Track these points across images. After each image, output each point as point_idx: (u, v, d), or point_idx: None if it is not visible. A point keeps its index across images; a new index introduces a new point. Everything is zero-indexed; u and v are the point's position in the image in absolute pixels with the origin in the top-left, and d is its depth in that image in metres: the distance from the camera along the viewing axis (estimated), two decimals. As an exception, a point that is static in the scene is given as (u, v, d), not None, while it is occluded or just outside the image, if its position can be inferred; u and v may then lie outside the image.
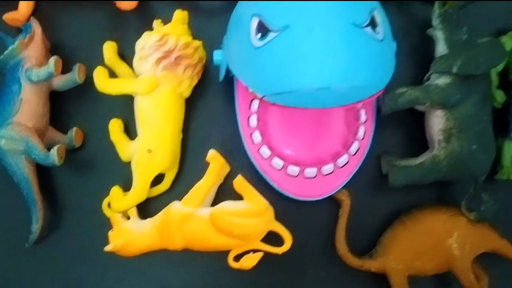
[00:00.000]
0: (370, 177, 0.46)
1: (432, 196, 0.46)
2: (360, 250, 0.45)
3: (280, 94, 0.33)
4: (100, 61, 0.46)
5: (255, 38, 0.35)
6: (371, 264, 0.43)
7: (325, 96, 0.32)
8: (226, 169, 0.46)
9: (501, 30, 0.47)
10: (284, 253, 0.44)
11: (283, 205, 0.45)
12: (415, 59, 0.48)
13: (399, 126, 0.47)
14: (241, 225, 0.41)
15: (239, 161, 0.46)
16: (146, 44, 0.43)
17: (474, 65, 0.40)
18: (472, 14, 0.45)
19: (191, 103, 0.47)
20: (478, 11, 0.47)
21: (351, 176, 0.44)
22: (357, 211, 0.46)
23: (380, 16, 0.35)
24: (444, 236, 0.42)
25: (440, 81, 0.42)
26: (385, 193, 0.46)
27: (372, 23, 0.34)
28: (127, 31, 0.47)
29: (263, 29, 0.34)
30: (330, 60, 0.32)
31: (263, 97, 0.35)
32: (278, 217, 0.45)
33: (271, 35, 0.33)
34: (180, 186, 0.46)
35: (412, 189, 0.45)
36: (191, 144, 0.47)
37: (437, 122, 0.42)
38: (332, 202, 0.45)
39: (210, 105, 0.47)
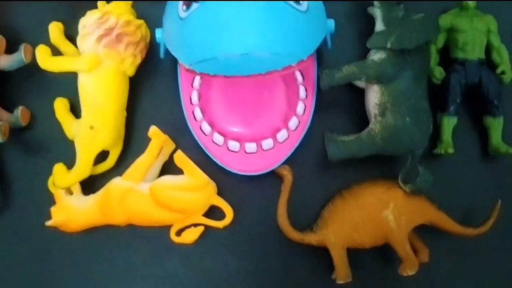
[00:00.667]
0: (313, 153, 0.47)
1: (376, 171, 0.47)
2: (302, 225, 0.45)
3: (202, 62, 0.34)
4: (46, 41, 0.46)
5: (181, 9, 0.35)
6: (312, 238, 0.43)
7: (246, 62, 0.33)
8: (171, 146, 0.46)
9: (443, 9, 0.48)
10: (227, 227, 0.44)
11: (226, 180, 0.46)
12: (363, 37, 0.48)
13: (344, 104, 0.48)
14: (180, 199, 0.42)
15: (184, 138, 0.46)
16: (88, 22, 0.44)
17: (407, 40, 0.41)
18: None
19: (136, 82, 0.47)
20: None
21: (292, 152, 0.44)
22: (300, 186, 0.46)
23: None
24: (381, 208, 0.42)
25: (376, 56, 0.42)
26: (328, 168, 0.47)
27: (295, -4, 0.34)
28: (74, 12, 0.48)
29: (187, 1, 0.35)
30: (248, 27, 0.32)
31: (190, 66, 0.36)
32: (221, 192, 0.45)
33: (194, 6, 0.34)
34: (125, 164, 0.46)
35: (356, 164, 0.45)
36: (137, 122, 0.47)
37: (373, 97, 0.43)
38: (276, 177, 0.46)
39: (155, 83, 0.48)
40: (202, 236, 0.45)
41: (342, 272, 0.42)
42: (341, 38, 0.48)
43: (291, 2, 0.34)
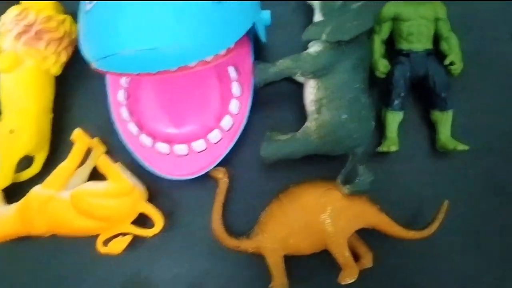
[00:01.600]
0: (253, 154, 0.44)
1: (321, 171, 0.44)
2: (242, 231, 0.43)
3: (104, 59, 0.31)
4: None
5: (87, 1, 0.32)
6: (248, 245, 0.41)
7: (151, 58, 0.30)
8: (101, 149, 0.43)
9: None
10: (161, 235, 0.41)
11: (158, 185, 0.43)
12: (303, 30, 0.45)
13: (286, 100, 0.45)
14: (103, 207, 0.39)
15: (114, 140, 0.43)
16: (7, 19, 0.41)
17: (342, 31, 0.38)
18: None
19: (64, 81, 0.44)
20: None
21: (226, 153, 0.41)
22: (238, 190, 0.43)
23: None
24: (318, 212, 0.39)
25: (312, 49, 0.40)
26: (269, 170, 0.44)
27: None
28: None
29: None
30: (149, 20, 0.30)
31: (94, 64, 0.33)
32: (153, 198, 0.43)
33: (95, -2, 0.31)
34: (52, 169, 0.43)
35: (299, 166, 0.43)
36: (64, 125, 0.45)
37: (309, 93, 0.40)
38: (212, 180, 0.43)
39: (84, 82, 0.45)
40: (136, 244, 0.42)
41: (278, 281, 0.39)
42: (282, 30, 0.45)
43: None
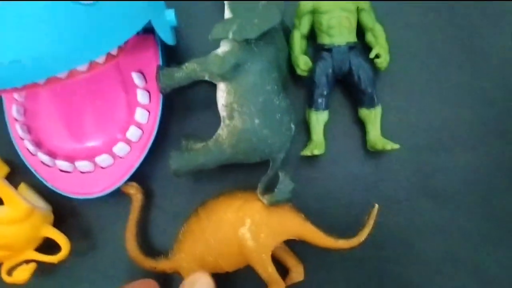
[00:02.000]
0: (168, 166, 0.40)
1: (245, 180, 0.41)
2: (162, 249, 0.39)
3: None
4: None
5: None
6: (166, 265, 0.37)
7: (12, 71, 0.27)
8: (4, 169, 0.40)
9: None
10: (74, 259, 0.38)
11: (71, 205, 0.40)
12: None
13: (206, 105, 0.42)
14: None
15: (17, 158, 0.40)
16: None
17: (248, 29, 0.35)
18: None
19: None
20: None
21: (137, 166, 0.38)
22: (156, 205, 0.40)
23: None
24: (236, 226, 0.35)
25: (220, 49, 0.36)
26: (191, 182, 0.41)
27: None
28: None
29: None
30: (6, 29, 0.26)
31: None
32: (66, 220, 0.39)
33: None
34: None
35: (224, 173, 0.40)
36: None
37: (220, 97, 0.37)
38: (128, 197, 0.39)
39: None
40: (48, 271, 0.39)
41: None
42: (197, 31, 0.42)
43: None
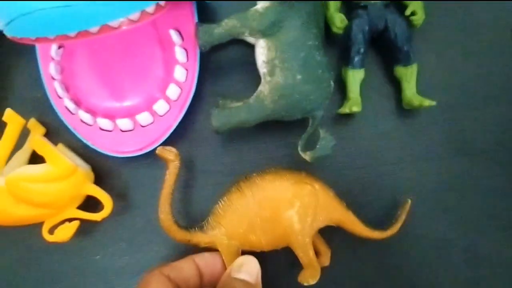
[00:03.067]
0: (204, 126, 0.40)
1: (278, 141, 0.41)
2: (192, 221, 0.40)
3: (12, 23, 0.27)
4: None
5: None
6: (201, 238, 0.36)
7: (67, 17, 0.26)
8: (40, 130, 0.40)
9: None
10: (111, 218, 0.38)
11: (108, 165, 0.40)
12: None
13: (240, 64, 0.42)
14: (41, 191, 0.35)
15: (53, 119, 0.40)
16: None
17: (289, -17, 0.35)
18: None
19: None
20: None
21: (176, 125, 0.38)
22: (191, 172, 0.40)
23: None
24: (285, 207, 0.35)
25: (259, 5, 0.36)
26: (228, 145, 0.41)
27: None
28: None
29: None
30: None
31: (5, 32, 0.29)
32: (102, 179, 0.39)
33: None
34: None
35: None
36: (-3, 106, 0.41)
37: (260, 54, 0.37)
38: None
39: (11, 58, 0.41)
40: (86, 230, 0.39)
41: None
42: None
43: None
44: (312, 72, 0.36)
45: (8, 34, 0.29)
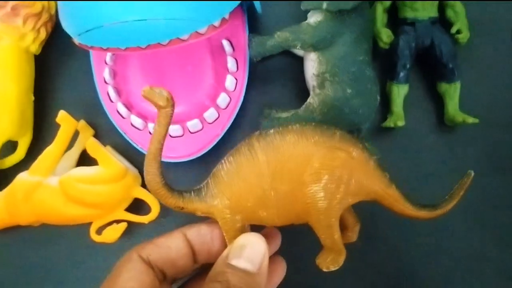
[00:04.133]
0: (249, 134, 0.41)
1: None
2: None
3: (88, 32, 0.28)
4: None
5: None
6: (197, 206, 0.28)
7: (139, 31, 0.27)
8: (89, 132, 0.41)
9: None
10: (156, 222, 0.39)
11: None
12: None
13: (284, 75, 0.42)
14: (93, 193, 0.36)
15: (103, 122, 0.41)
16: (-21, -6, 0.37)
17: (343, 0, 0.35)
18: None
19: (44, 60, 0.41)
20: None
21: (224, 132, 0.39)
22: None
23: None
24: (309, 180, 0.27)
25: (312, 19, 0.37)
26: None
27: None
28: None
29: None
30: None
31: (78, 39, 0.30)
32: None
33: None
34: (37, 155, 0.41)
35: None
36: (48, 107, 0.42)
37: (310, 66, 0.38)
38: (210, 161, 0.40)
39: (65, 62, 0.42)
40: (132, 232, 0.40)
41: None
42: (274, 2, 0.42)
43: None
44: (362, 86, 0.37)
45: (80, 42, 0.30)
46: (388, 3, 0.41)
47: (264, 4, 0.41)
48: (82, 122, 0.40)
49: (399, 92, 0.40)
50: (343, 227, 0.31)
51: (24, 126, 0.39)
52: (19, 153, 0.40)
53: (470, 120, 0.39)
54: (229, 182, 0.28)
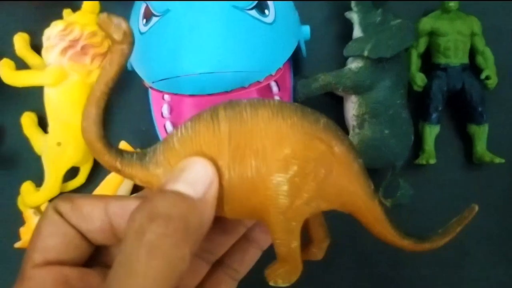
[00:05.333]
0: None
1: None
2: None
3: (164, 80, 0.32)
4: (12, 53, 0.44)
5: (141, 23, 0.33)
6: (136, 172, 0.22)
7: (209, 81, 0.31)
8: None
9: (426, 11, 0.46)
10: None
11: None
12: (342, 43, 0.46)
13: (323, 112, 0.46)
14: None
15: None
16: (52, 33, 0.42)
17: (384, 48, 0.39)
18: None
19: (106, 94, 0.45)
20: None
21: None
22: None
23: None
24: (274, 166, 0.21)
25: (353, 65, 0.41)
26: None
27: (259, 6, 0.32)
28: (39, 22, 0.46)
29: (148, 14, 0.33)
30: (209, 44, 0.30)
31: (151, 85, 0.34)
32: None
33: (153, 20, 0.32)
34: (97, 180, 0.45)
35: None
36: (108, 138, 0.45)
37: (350, 108, 0.41)
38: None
39: (125, 96, 0.46)
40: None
41: None
42: (317, 43, 0.46)
43: (256, 15, 0.32)
44: (398, 128, 0.40)
45: (153, 87, 0.34)
46: (422, 49, 0.44)
47: (308, 47, 0.44)
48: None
49: (431, 132, 0.43)
50: (308, 239, 0.26)
51: (86, 154, 0.43)
52: (80, 179, 0.44)
53: (497, 160, 0.42)
54: (180, 151, 0.22)
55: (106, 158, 0.23)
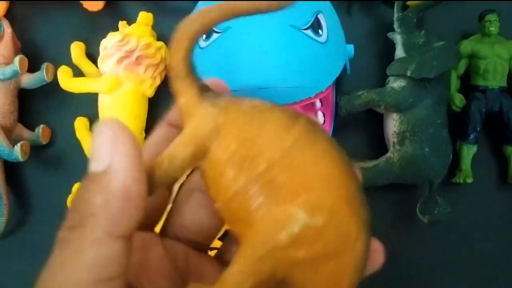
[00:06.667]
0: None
1: (390, 197, 0.46)
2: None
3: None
4: (69, 61, 0.47)
5: (201, 39, 0.36)
6: (189, 93, 0.21)
7: (264, 96, 0.33)
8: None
9: (466, 34, 0.47)
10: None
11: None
12: (382, 62, 0.48)
13: (363, 128, 0.47)
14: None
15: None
16: (109, 44, 0.44)
17: (427, 69, 0.41)
18: (436, 17, 0.45)
19: (155, 103, 0.47)
20: (442, 14, 0.47)
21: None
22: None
23: (326, 19, 0.36)
24: (301, 201, 0.18)
25: (396, 84, 0.42)
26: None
27: (314, 26, 0.34)
28: (95, 32, 0.48)
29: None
30: (266, 61, 0.32)
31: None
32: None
33: (214, 36, 0.34)
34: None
35: (370, 191, 0.45)
36: (155, 143, 0.47)
37: (392, 125, 0.42)
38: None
39: (172, 104, 0.48)
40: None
41: None
42: (360, 61, 0.48)
43: (311, 34, 0.34)
44: (438, 146, 0.41)
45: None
46: (462, 71, 0.46)
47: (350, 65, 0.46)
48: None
49: (469, 151, 0.45)
50: None
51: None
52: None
53: (534, 181, 0.43)
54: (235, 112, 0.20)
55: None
